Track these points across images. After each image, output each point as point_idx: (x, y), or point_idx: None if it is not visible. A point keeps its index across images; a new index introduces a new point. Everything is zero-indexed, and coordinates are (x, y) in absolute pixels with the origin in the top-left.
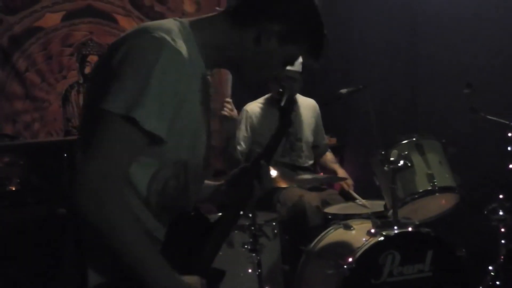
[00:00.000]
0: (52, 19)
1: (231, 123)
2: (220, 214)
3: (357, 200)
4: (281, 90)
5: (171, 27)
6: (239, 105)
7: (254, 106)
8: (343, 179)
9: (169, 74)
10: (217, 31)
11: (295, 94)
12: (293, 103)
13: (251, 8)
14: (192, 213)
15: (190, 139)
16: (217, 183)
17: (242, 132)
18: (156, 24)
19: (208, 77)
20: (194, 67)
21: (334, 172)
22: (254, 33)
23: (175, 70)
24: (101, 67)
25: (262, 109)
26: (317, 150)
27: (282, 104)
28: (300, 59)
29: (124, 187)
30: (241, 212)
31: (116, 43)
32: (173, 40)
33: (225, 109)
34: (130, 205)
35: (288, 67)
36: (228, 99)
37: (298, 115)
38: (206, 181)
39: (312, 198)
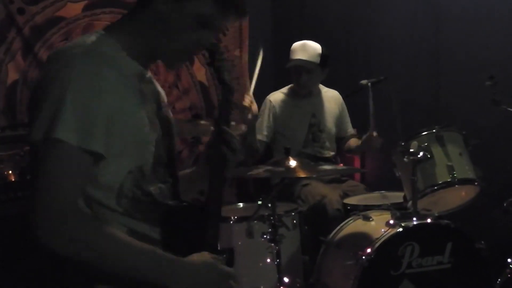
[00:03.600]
0: (73, 9)
1: (251, 116)
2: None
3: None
4: (210, 48)
5: (85, 42)
6: (261, 96)
7: (277, 96)
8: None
9: (85, 90)
10: (133, 27)
11: (313, 85)
12: (222, 59)
13: None
14: (184, 204)
15: (136, 147)
16: (189, 170)
17: (265, 122)
18: (72, 44)
19: (149, 75)
20: (117, 74)
21: (357, 148)
22: (154, 8)
23: (90, 84)
24: (31, 97)
25: (285, 98)
26: (343, 141)
27: (214, 64)
28: (319, 51)
29: (83, 206)
30: (224, 187)
31: (40, 72)
32: (87, 55)
33: (245, 100)
34: (99, 220)
35: (299, 57)
36: (249, 94)
37: (322, 106)
38: (181, 172)
39: (334, 200)
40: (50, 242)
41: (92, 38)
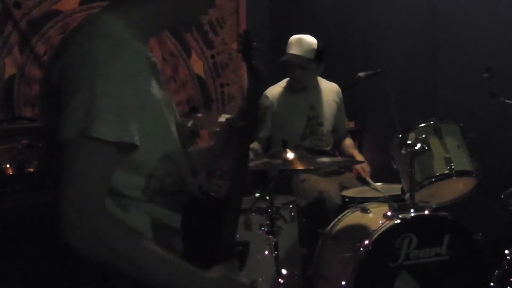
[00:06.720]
0: (70, 2)
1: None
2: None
3: (372, 186)
4: (243, 35)
5: (99, 28)
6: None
7: (275, 90)
8: (361, 162)
9: (114, 78)
10: (136, 5)
11: (308, 80)
12: (253, 48)
13: None
14: (204, 197)
15: (162, 130)
16: (206, 146)
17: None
18: (85, 30)
19: (152, 57)
20: (136, 57)
21: (352, 158)
22: None
23: (118, 72)
24: (45, 89)
25: (283, 92)
26: (336, 134)
27: (245, 52)
28: (314, 46)
29: (107, 206)
30: (246, 182)
31: (52, 59)
32: (106, 41)
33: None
34: (122, 220)
35: (293, 52)
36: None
37: (320, 99)
38: (199, 147)
39: (333, 194)
40: (72, 238)
41: (99, 23)
